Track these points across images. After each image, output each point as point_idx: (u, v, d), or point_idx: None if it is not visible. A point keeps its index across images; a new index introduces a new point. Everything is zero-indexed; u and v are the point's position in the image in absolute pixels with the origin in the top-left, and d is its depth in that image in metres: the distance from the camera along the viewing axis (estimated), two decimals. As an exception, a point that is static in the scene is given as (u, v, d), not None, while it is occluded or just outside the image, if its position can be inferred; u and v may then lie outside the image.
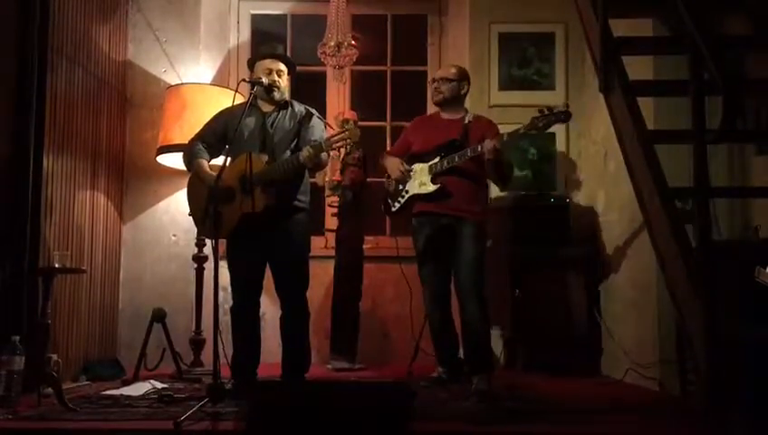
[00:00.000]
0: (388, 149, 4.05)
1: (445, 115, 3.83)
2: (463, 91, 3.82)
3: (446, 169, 3.60)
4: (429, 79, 3.82)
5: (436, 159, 3.64)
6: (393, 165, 3.79)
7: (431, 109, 5.15)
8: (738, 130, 3.09)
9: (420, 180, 3.70)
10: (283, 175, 3.26)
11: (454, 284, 3.70)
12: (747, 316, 2.53)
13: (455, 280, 3.69)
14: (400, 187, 3.79)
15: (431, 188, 3.65)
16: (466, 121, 3.73)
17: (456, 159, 3.57)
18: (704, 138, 2.70)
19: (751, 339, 2.43)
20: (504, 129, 3.63)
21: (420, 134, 3.84)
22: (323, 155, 3.35)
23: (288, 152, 3.35)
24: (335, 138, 3.26)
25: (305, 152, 3.21)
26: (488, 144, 3.45)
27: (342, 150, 4.35)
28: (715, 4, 3.26)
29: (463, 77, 3.82)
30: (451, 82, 3.77)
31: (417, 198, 3.72)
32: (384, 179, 3.94)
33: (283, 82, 3.48)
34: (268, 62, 3.46)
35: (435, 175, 3.64)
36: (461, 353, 3.73)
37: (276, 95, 3.43)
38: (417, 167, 3.73)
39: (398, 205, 3.81)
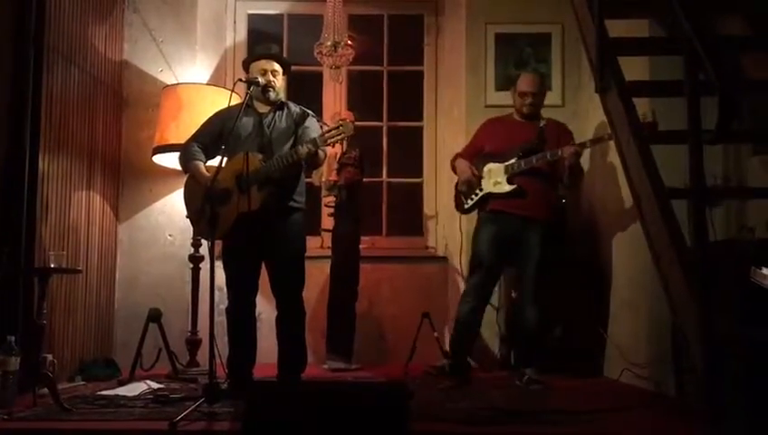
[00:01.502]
0: (460, 150, 4.13)
1: (518, 117, 3.94)
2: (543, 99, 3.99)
3: (523, 170, 3.73)
4: (519, 90, 3.90)
5: (513, 160, 3.76)
6: (464, 168, 3.91)
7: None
8: (734, 131, 3.09)
9: (495, 180, 3.81)
10: (279, 171, 3.25)
11: (516, 283, 3.93)
12: (742, 316, 2.54)
13: (519, 280, 3.89)
14: (474, 185, 3.89)
15: (507, 187, 3.77)
16: (541, 124, 3.83)
17: (534, 161, 3.72)
18: (700, 138, 2.70)
19: (746, 339, 2.43)
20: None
21: (494, 136, 3.94)
22: (320, 153, 3.36)
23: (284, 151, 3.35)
24: (330, 132, 3.26)
25: (304, 148, 3.21)
26: (570, 149, 3.65)
27: (339, 150, 4.36)
28: (711, 5, 3.26)
29: (546, 87, 4.02)
30: (542, 96, 3.94)
31: (490, 196, 3.83)
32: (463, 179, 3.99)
33: (279, 82, 3.48)
34: (263, 63, 3.46)
35: (511, 175, 3.76)
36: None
37: (272, 95, 3.43)
38: (491, 166, 3.84)
39: (470, 202, 3.92)
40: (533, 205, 3.78)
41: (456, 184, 4.04)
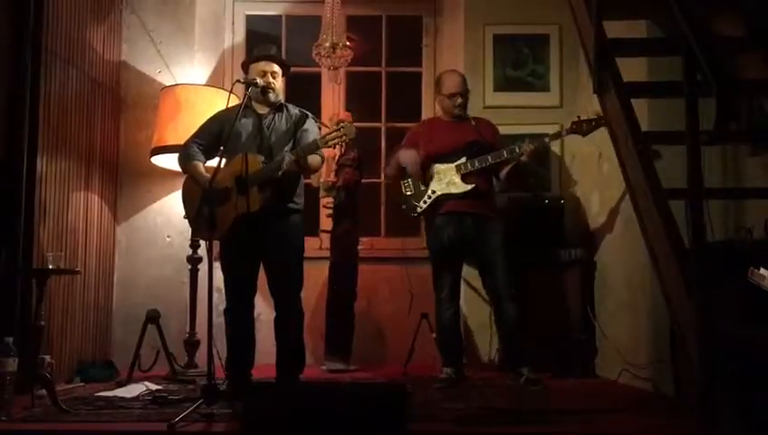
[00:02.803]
0: (390, 156, 4.10)
1: (446, 118, 3.94)
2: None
3: (477, 168, 3.73)
4: (448, 92, 3.89)
5: (463, 160, 3.75)
6: (410, 156, 3.84)
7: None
8: (732, 131, 3.10)
9: (448, 180, 3.78)
10: (279, 173, 3.25)
11: (484, 284, 3.88)
12: (740, 317, 2.54)
13: (486, 281, 3.85)
14: (422, 187, 3.85)
15: (463, 187, 3.75)
16: (473, 123, 3.84)
17: (490, 159, 3.72)
18: (697, 139, 2.70)
19: (744, 339, 2.43)
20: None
21: (431, 137, 3.90)
22: (317, 158, 3.36)
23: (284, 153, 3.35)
24: (331, 135, 3.26)
25: (289, 157, 3.21)
26: (529, 146, 3.65)
27: (338, 151, 4.36)
28: (709, 5, 3.27)
29: (467, 86, 3.99)
30: (465, 97, 3.92)
31: (444, 197, 3.78)
32: (402, 181, 3.96)
33: (278, 83, 3.48)
34: (262, 65, 3.46)
35: (465, 174, 3.74)
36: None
37: (271, 97, 3.43)
38: (439, 167, 3.82)
39: (423, 205, 3.85)
40: (488, 203, 3.81)
41: (401, 189, 3.94)
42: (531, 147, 3.64)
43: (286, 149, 3.36)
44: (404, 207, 3.96)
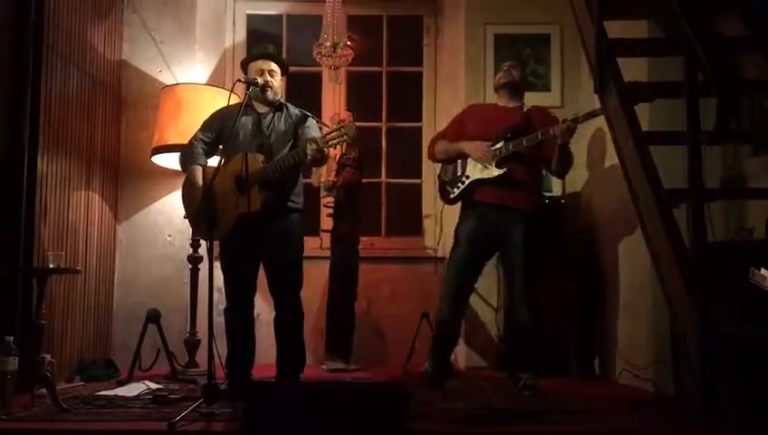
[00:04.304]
0: (438, 133, 3.98)
1: (502, 103, 3.79)
2: (523, 83, 3.83)
3: (512, 152, 3.55)
4: (502, 66, 3.81)
5: (500, 144, 3.58)
6: (474, 146, 3.64)
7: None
8: (733, 132, 3.10)
9: (483, 165, 3.61)
10: (280, 173, 3.25)
11: (505, 284, 3.77)
12: (741, 317, 2.54)
13: (507, 281, 3.73)
14: (459, 172, 3.71)
15: (495, 172, 3.57)
16: (525, 110, 3.72)
17: (524, 142, 3.52)
18: (698, 139, 2.70)
19: (745, 340, 2.43)
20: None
21: (477, 120, 3.77)
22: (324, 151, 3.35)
23: (285, 152, 3.35)
24: (332, 134, 3.25)
25: (312, 145, 3.16)
26: (561, 126, 3.43)
27: (338, 151, 4.36)
28: (710, 6, 3.27)
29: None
30: (519, 70, 3.79)
31: (478, 183, 3.64)
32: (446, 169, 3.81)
33: (276, 81, 3.47)
34: (260, 63, 3.46)
35: (500, 159, 3.57)
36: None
37: (270, 95, 3.43)
38: None
39: (457, 191, 3.70)
40: (519, 194, 3.59)
41: (439, 174, 3.87)
42: (563, 126, 3.43)
43: (285, 149, 3.36)
44: (440, 194, 3.87)
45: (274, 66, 3.47)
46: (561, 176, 3.88)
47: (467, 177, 3.67)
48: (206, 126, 3.51)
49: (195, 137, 3.49)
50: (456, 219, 3.82)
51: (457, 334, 3.85)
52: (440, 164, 3.91)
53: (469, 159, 3.67)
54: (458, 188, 3.70)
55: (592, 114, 3.51)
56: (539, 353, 3.68)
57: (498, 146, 3.59)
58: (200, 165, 3.42)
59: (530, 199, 3.64)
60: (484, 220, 3.62)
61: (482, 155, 3.61)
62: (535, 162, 3.66)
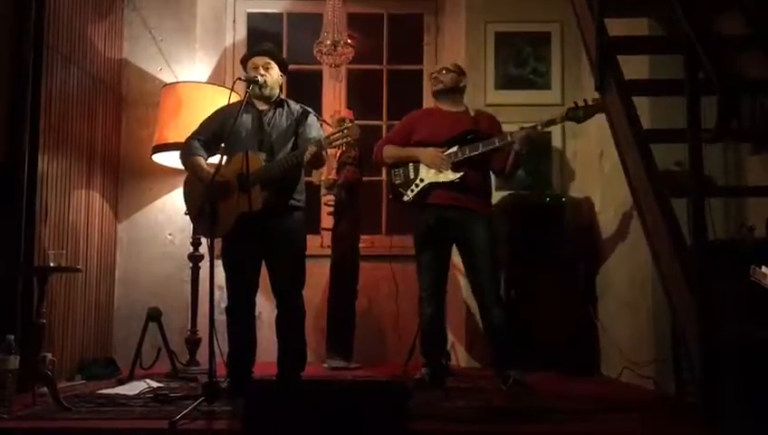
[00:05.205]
0: (385, 137, 4.01)
1: (445, 108, 3.82)
2: (461, 84, 3.85)
3: (468, 157, 3.60)
4: (427, 75, 3.82)
5: (455, 148, 3.63)
6: (427, 154, 3.66)
7: (428, 106, 5.19)
8: (733, 130, 3.09)
9: (437, 169, 3.64)
10: (281, 173, 3.25)
11: (470, 284, 3.75)
12: (742, 315, 2.54)
13: (472, 281, 3.72)
14: (411, 175, 3.73)
15: (452, 176, 3.62)
16: (473, 114, 3.76)
17: (481, 147, 3.58)
18: (699, 137, 2.70)
19: (746, 338, 2.43)
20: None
21: (424, 125, 3.80)
22: (323, 153, 3.35)
23: (287, 150, 3.35)
24: (335, 136, 3.25)
25: (311, 148, 3.19)
26: (521, 133, 3.52)
27: (339, 149, 4.35)
28: (711, 4, 3.26)
29: (461, 71, 3.87)
30: (450, 72, 3.81)
31: (434, 186, 3.66)
32: (391, 171, 3.82)
33: (271, 76, 3.45)
34: (256, 59, 3.47)
35: (455, 164, 3.61)
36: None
37: (266, 91, 3.42)
38: None
39: (411, 193, 3.70)
40: (474, 197, 3.63)
41: (390, 177, 3.84)
42: (522, 133, 3.52)
43: (287, 145, 3.36)
44: (391, 196, 3.84)
45: (268, 60, 3.46)
46: (508, 180, 3.97)
47: (422, 180, 3.70)
48: (202, 127, 3.51)
49: (191, 136, 3.50)
50: None
51: (444, 330, 3.88)
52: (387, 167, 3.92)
53: (422, 164, 3.71)
54: (412, 191, 3.71)
55: (551, 122, 3.64)
56: (523, 351, 3.72)
57: (453, 150, 3.64)
58: (201, 157, 3.42)
59: (487, 204, 3.74)
60: (439, 219, 3.64)
61: (437, 162, 3.65)
62: (485, 166, 3.72)
